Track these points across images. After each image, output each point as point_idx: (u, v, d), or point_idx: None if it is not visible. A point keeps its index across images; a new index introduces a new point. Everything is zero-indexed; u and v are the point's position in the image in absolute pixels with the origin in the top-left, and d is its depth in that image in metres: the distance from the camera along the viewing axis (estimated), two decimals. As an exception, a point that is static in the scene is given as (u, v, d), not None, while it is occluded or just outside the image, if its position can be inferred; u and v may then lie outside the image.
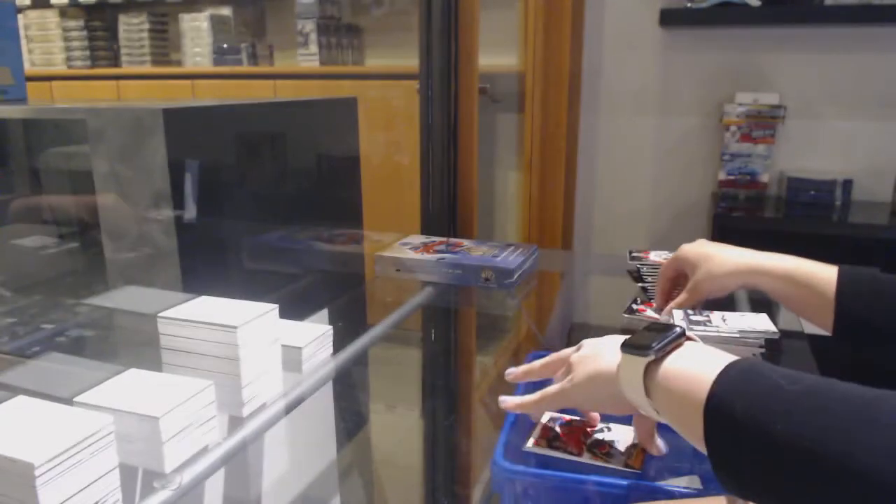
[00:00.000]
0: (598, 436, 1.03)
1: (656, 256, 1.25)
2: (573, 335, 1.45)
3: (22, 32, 3.29)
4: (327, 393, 1.08)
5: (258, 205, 1.03)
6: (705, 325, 0.92)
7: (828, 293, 0.82)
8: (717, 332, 0.90)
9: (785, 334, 0.88)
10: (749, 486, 0.48)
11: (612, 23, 2.33)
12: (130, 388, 0.61)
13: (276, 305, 0.72)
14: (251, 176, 1.00)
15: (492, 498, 0.96)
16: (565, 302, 1.43)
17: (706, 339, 0.90)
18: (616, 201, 2.45)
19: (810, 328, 0.78)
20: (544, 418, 1.14)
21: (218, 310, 0.70)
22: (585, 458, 0.99)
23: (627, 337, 0.63)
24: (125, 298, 0.88)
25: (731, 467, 0.48)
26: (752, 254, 0.90)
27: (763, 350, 0.88)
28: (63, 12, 3.30)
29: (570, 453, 1.01)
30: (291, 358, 0.77)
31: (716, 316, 0.94)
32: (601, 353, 0.70)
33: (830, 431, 0.42)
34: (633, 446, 1.05)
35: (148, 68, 3.18)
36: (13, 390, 0.69)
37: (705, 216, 2.34)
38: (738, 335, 0.88)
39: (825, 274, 0.83)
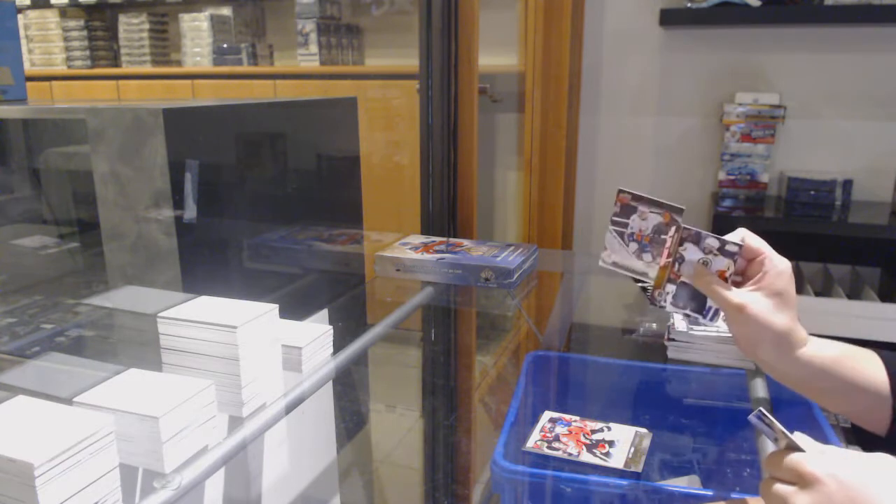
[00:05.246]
0: (598, 436, 1.03)
1: (656, 256, 1.24)
2: (573, 335, 1.45)
3: (22, 32, 3.29)
4: (327, 393, 1.08)
5: (258, 205, 1.03)
6: (705, 324, 0.91)
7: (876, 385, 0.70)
8: (717, 331, 0.90)
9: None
10: None
11: (612, 23, 2.33)
12: (130, 388, 0.61)
13: (276, 305, 0.72)
14: (251, 176, 1.00)
15: (492, 498, 0.96)
16: (565, 302, 1.43)
17: (706, 339, 0.90)
18: (616, 201, 2.45)
19: (810, 329, 0.77)
20: (544, 419, 1.14)
21: (218, 310, 0.70)
22: (585, 458, 0.99)
23: None
24: (125, 298, 0.88)
25: None
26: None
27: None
28: (63, 12, 3.30)
29: (570, 453, 1.01)
30: (291, 358, 0.77)
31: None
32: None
33: None
34: (632, 446, 1.05)
35: (148, 68, 3.18)
36: (13, 390, 0.69)
37: (705, 216, 2.34)
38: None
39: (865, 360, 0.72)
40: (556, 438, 1.05)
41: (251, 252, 1.01)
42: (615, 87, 2.37)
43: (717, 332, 0.90)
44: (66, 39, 3.28)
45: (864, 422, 0.72)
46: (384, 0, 2.86)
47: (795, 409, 1.06)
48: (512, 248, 1.31)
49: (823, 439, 1.00)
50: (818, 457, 0.54)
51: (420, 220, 1.58)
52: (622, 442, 1.06)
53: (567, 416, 1.13)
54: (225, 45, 2.99)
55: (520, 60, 2.33)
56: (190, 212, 0.84)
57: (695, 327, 0.91)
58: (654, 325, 1.19)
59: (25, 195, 1.24)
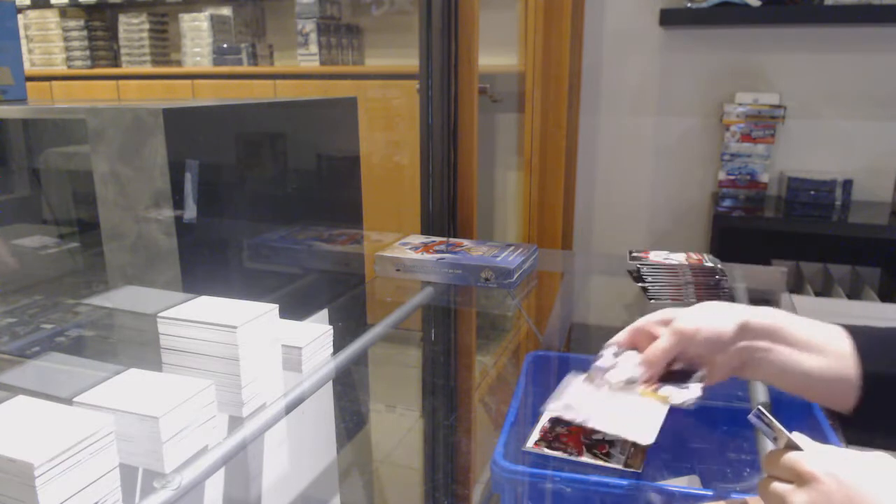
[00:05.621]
0: (598, 435, 1.03)
1: (656, 256, 1.25)
2: (573, 335, 1.45)
3: (22, 32, 3.29)
4: (327, 393, 1.08)
5: (258, 205, 1.03)
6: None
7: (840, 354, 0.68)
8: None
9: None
10: None
11: (612, 23, 2.33)
12: (130, 388, 0.61)
13: (276, 305, 0.72)
14: (251, 176, 1.00)
15: (492, 498, 0.96)
16: (565, 302, 1.43)
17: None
18: (616, 201, 2.45)
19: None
20: (545, 419, 1.14)
21: (218, 310, 0.70)
22: (585, 458, 0.99)
23: None
24: (125, 298, 0.88)
25: None
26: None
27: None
28: (63, 12, 3.30)
29: (570, 453, 1.01)
30: (291, 358, 0.77)
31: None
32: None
33: None
34: (632, 446, 1.05)
35: (148, 68, 3.18)
36: (13, 390, 0.69)
37: (705, 216, 2.34)
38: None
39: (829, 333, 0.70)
40: (556, 438, 1.05)
41: (251, 252, 1.01)
42: (615, 87, 2.37)
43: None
44: (66, 39, 3.28)
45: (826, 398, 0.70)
46: (384, 0, 2.86)
47: (795, 410, 1.06)
48: (512, 248, 1.31)
49: (823, 439, 1.00)
50: (817, 455, 0.54)
51: (420, 220, 1.58)
52: (622, 442, 1.06)
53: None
54: (225, 45, 2.99)
55: (520, 60, 2.33)
56: (190, 212, 0.84)
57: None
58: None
59: (25, 195, 1.24)
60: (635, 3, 2.28)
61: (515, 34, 2.43)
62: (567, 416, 0.77)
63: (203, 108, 0.91)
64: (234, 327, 0.66)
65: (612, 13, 2.32)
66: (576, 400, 0.78)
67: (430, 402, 1.48)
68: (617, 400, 0.76)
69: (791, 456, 0.55)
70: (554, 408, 0.78)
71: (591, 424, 0.76)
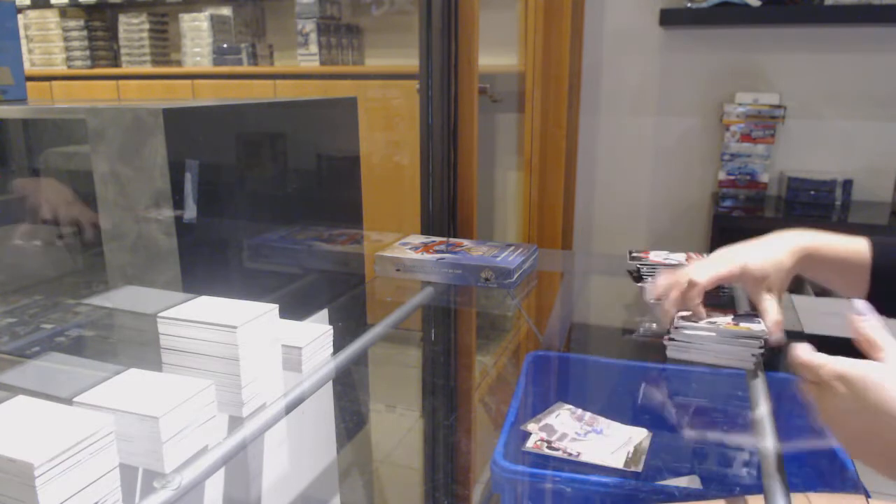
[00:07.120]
0: (598, 436, 1.04)
1: (656, 256, 1.25)
2: (573, 335, 1.45)
3: (22, 32, 3.29)
4: (327, 393, 1.08)
5: (258, 205, 1.03)
6: (705, 324, 0.91)
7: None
8: (718, 332, 0.90)
9: (785, 334, 0.88)
10: None
11: (612, 23, 2.33)
12: (130, 388, 0.61)
13: (276, 305, 0.72)
14: (251, 176, 1.00)
15: (492, 498, 0.96)
16: (565, 302, 1.43)
17: (705, 339, 0.90)
18: (616, 201, 2.45)
19: (810, 328, 0.77)
20: (556, 408, 1.14)
21: (218, 310, 0.70)
22: (585, 458, 0.99)
23: None
24: (125, 298, 0.88)
25: None
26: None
27: (763, 350, 0.88)
28: (63, 12, 3.30)
29: (570, 453, 1.01)
30: (291, 358, 0.77)
31: (715, 315, 0.94)
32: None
33: None
34: (632, 446, 1.05)
35: (148, 68, 3.18)
36: (13, 390, 0.69)
37: (705, 216, 2.34)
38: (738, 335, 0.88)
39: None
40: (552, 429, 1.05)
41: (251, 252, 1.01)
42: (615, 87, 2.37)
43: (718, 332, 0.90)
44: (66, 39, 3.28)
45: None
46: (384, 0, 2.86)
47: (795, 408, 1.06)
48: (512, 248, 1.31)
49: (825, 439, 1.00)
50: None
51: (420, 220, 1.58)
52: (622, 442, 1.06)
53: (580, 411, 1.13)
54: (225, 45, 2.99)
55: (520, 60, 2.33)
56: (190, 212, 0.84)
57: (695, 324, 0.91)
58: (654, 325, 1.19)
59: (25, 195, 1.24)
60: (635, 3, 2.28)
61: (515, 34, 2.43)
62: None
63: (203, 108, 0.91)
64: (234, 327, 0.66)
65: (612, 13, 2.32)
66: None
67: (430, 402, 1.48)
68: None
69: None
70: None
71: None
